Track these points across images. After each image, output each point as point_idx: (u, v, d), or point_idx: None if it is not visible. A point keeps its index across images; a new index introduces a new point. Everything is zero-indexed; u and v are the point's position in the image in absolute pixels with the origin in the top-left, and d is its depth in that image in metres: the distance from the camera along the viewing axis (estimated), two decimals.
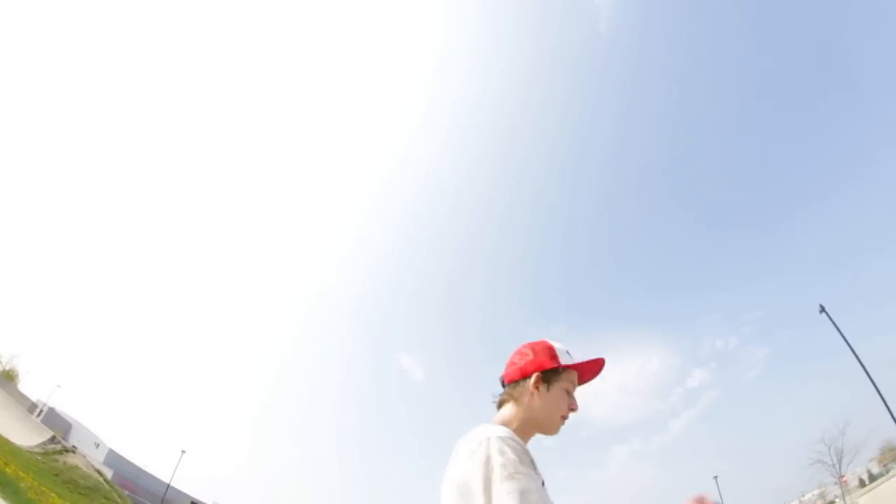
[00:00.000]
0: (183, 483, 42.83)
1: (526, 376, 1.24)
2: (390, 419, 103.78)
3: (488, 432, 1.04)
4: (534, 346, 1.29)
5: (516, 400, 1.24)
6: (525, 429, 1.21)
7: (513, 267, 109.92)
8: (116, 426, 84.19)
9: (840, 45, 69.44)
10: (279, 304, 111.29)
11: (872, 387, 19.35)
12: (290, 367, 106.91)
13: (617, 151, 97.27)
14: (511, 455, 0.97)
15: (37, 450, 15.95)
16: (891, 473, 28.12)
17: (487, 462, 0.96)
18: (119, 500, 16.88)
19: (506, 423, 1.20)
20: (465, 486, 0.98)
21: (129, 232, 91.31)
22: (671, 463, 72.77)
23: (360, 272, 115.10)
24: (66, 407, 40.57)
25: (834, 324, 21.06)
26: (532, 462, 1.02)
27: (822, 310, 21.58)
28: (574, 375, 1.27)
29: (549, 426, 1.24)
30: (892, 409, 18.79)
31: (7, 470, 10.20)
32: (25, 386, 40.36)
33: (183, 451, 41.13)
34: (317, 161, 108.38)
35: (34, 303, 59.91)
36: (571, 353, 1.28)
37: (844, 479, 31.19)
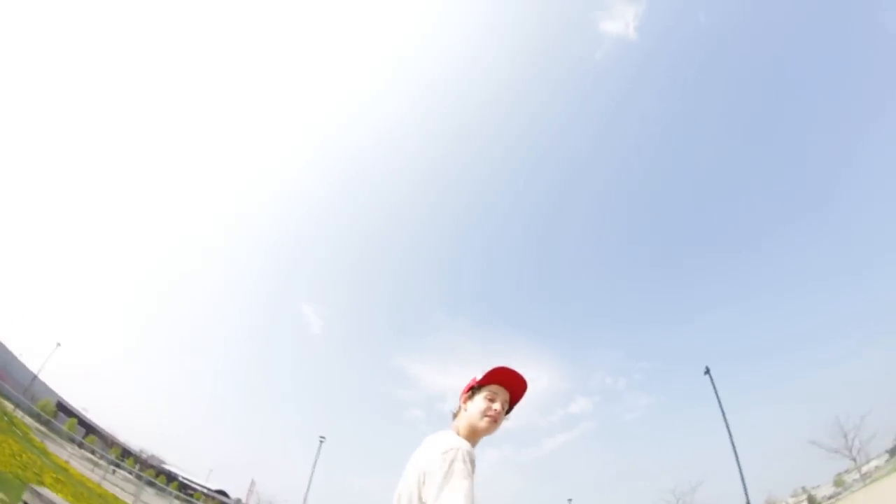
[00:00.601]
0: (54, 379, 40.51)
1: (467, 395, 1.71)
2: (276, 363, 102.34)
3: (459, 443, 1.44)
4: (479, 376, 1.72)
5: (459, 413, 1.70)
6: (468, 431, 1.61)
7: (438, 247, 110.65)
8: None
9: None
10: (193, 217, 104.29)
11: (734, 454, 21.13)
12: (186, 283, 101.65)
13: (575, 173, 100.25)
14: (469, 465, 1.37)
15: None
16: None
17: (452, 463, 1.35)
18: None
19: (456, 429, 1.64)
20: (431, 475, 1.36)
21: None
22: (537, 477, 77.51)
23: (289, 209, 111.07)
24: None
25: (714, 389, 22.68)
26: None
27: (707, 372, 23.35)
28: (495, 386, 1.67)
29: (480, 425, 1.61)
30: (746, 481, 20.62)
31: None
32: None
33: (58, 344, 38.93)
34: (266, 90, 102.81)
35: None
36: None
37: None
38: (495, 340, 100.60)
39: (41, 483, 7.42)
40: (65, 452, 20.31)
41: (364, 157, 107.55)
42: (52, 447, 18.51)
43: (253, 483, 50.13)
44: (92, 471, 21.12)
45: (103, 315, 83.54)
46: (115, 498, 15.33)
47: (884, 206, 66.42)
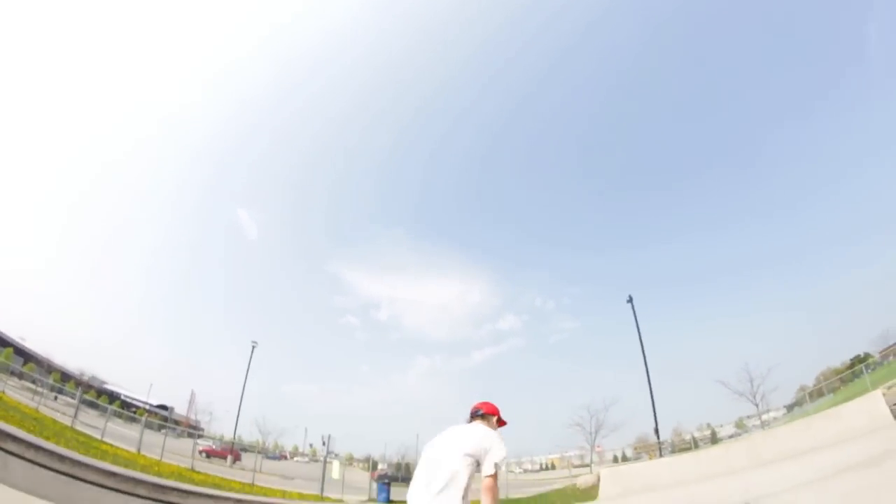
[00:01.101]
0: None
1: (494, 414, 2.81)
2: (210, 270, 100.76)
3: (496, 433, 2.60)
4: (495, 406, 2.86)
5: (488, 422, 2.74)
6: None
7: (380, 155, 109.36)
8: None
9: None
10: (113, 107, 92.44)
11: (647, 381, 23.14)
12: (106, 181, 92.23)
13: (528, 96, 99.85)
14: (503, 441, 2.48)
15: None
16: (639, 461, 34.18)
17: (499, 441, 2.45)
18: None
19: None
20: (484, 445, 2.38)
21: None
22: (463, 387, 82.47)
23: (224, 102, 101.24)
24: None
25: (635, 317, 24.38)
26: None
27: (630, 300, 24.98)
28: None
29: None
30: (656, 407, 23.01)
31: None
32: None
33: None
34: None
35: None
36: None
37: (599, 448, 37.22)
38: (432, 252, 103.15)
39: None
40: (0, 384, 20.51)
41: (311, 54, 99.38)
42: None
43: (193, 394, 51.52)
44: (31, 399, 21.45)
45: (18, 229, 75.26)
46: (53, 421, 15.88)
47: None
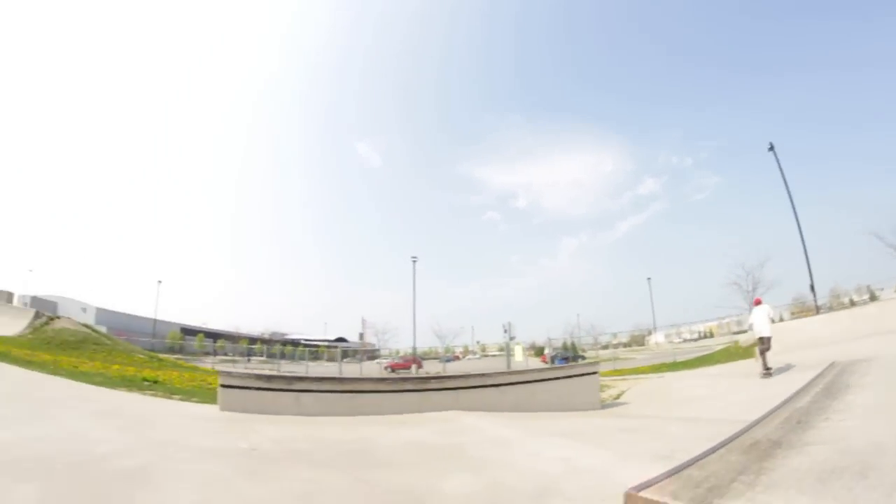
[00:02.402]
0: (170, 315, 47.58)
1: (759, 302, 10.25)
2: (354, 206, 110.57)
3: (770, 307, 9.99)
4: (759, 298, 10.80)
5: (763, 303, 10.03)
6: None
7: (469, 48, 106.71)
8: (100, 288, 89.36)
9: None
10: (223, 102, 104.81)
11: (799, 232, 21.54)
12: (247, 175, 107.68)
13: None
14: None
15: (27, 331, 15.79)
16: (794, 322, 32.24)
17: (772, 310, 9.98)
18: (109, 341, 17.93)
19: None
20: (771, 312, 9.85)
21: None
22: (613, 260, 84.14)
23: (303, 52, 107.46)
24: (45, 290, 44.86)
25: (779, 165, 22.26)
26: None
27: (771, 148, 22.70)
28: None
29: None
30: (812, 268, 21.10)
31: (1, 349, 10.82)
32: None
33: (159, 282, 45.22)
34: None
35: None
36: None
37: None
38: (553, 131, 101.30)
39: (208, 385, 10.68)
40: (208, 364, 25.53)
41: None
42: (198, 365, 23.41)
43: (364, 321, 58.20)
44: (233, 367, 26.49)
45: (197, 244, 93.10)
46: None
47: None
